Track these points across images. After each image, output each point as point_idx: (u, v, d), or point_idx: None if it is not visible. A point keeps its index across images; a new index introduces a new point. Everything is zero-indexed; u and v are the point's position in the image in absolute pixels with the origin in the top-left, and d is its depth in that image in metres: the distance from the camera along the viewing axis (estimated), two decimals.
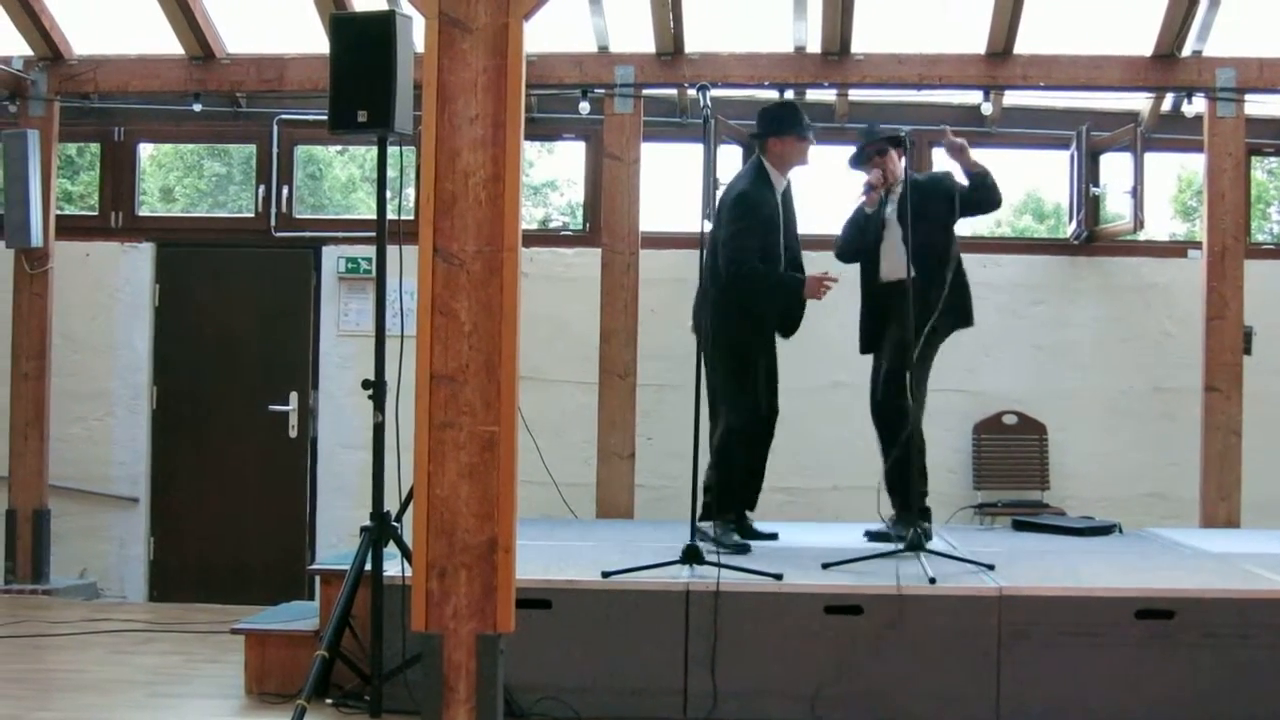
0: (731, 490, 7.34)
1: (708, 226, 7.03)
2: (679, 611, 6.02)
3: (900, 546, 6.58)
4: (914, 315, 6.83)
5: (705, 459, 6.93)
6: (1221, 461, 8.93)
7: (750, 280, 7.18)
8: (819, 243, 7.92)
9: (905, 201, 6.96)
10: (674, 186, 10.38)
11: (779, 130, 7.42)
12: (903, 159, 7.28)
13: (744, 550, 6.99)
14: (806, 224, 7.74)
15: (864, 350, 7.68)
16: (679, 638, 6.01)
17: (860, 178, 7.53)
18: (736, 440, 7.29)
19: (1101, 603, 5.98)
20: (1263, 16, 9.13)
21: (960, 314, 7.47)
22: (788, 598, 6.06)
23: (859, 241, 7.63)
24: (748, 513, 7.55)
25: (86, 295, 10.20)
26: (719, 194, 7.51)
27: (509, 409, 4.97)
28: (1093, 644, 5.92)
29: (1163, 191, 19.80)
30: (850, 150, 7.67)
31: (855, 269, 7.68)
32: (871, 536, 7.44)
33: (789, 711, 5.97)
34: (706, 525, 6.96)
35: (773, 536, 7.50)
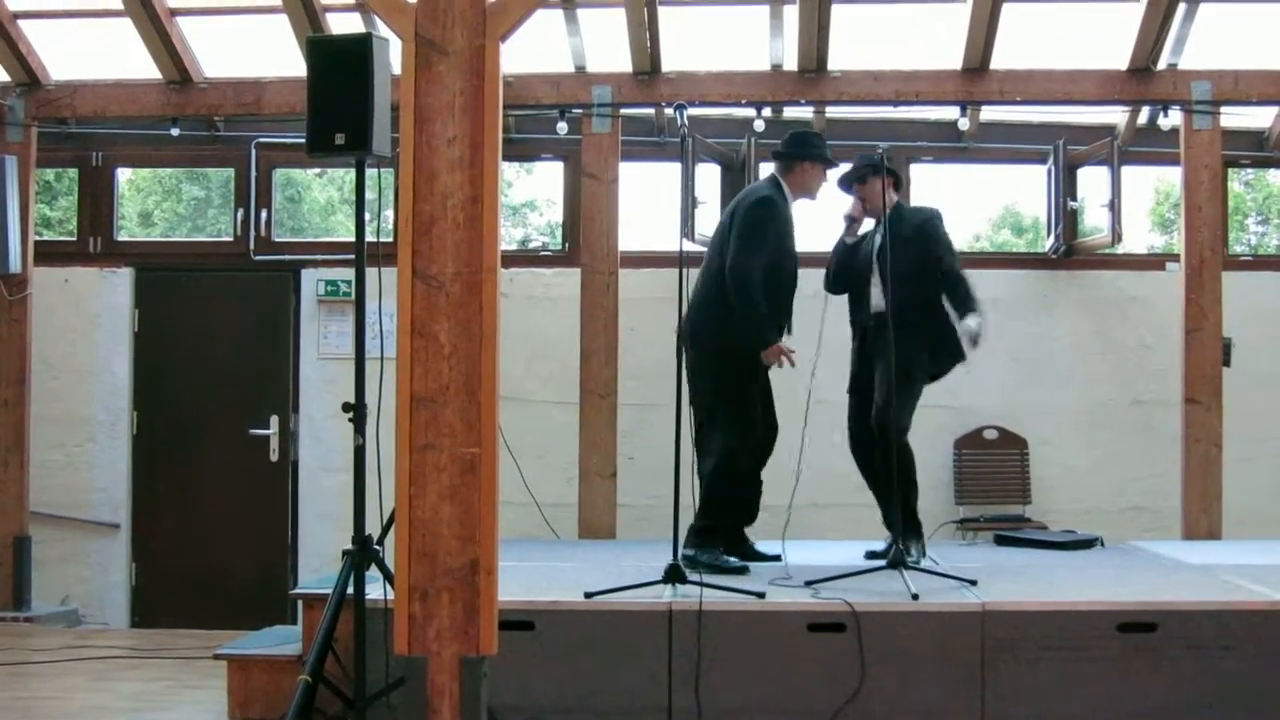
0: (727, 515, 7.19)
1: (688, 245, 6.98)
2: (662, 632, 6.00)
3: (883, 564, 6.60)
4: (895, 349, 6.79)
5: (687, 477, 6.71)
6: (1202, 473, 8.95)
7: (743, 297, 6.97)
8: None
9: (885, 236, 6.97)
10: (653, 206, 10.40)
11: (813, 155, 7.28)
12: (890, 189, 7.25)
13: (742, 571, 6.91)
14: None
15: (851, 390, 7.60)
16: (663, 658, 5.99)
17: (849, 200, 7.53)
18: (740, 463, 7.12)
19: (1084, 616, 5.99)
20: (1237, 29, 9.18)
21: (946, 354, 7.42)
22: (771, 616, 6.05)
23: (847, 271, 7.61)
24: (747, 531, 7.44)
25: (66, 321, 10.18)
26: (727, 204, 7.35)
27: (490, 430, 4.96)
28: (1076, 658, 5.93)
29: (1140, 204, 19.80)
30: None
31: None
32: (871, 556, 7.39)
33: None
34: (695, 553, 6.84)
35: (775, 558, 7.30)
